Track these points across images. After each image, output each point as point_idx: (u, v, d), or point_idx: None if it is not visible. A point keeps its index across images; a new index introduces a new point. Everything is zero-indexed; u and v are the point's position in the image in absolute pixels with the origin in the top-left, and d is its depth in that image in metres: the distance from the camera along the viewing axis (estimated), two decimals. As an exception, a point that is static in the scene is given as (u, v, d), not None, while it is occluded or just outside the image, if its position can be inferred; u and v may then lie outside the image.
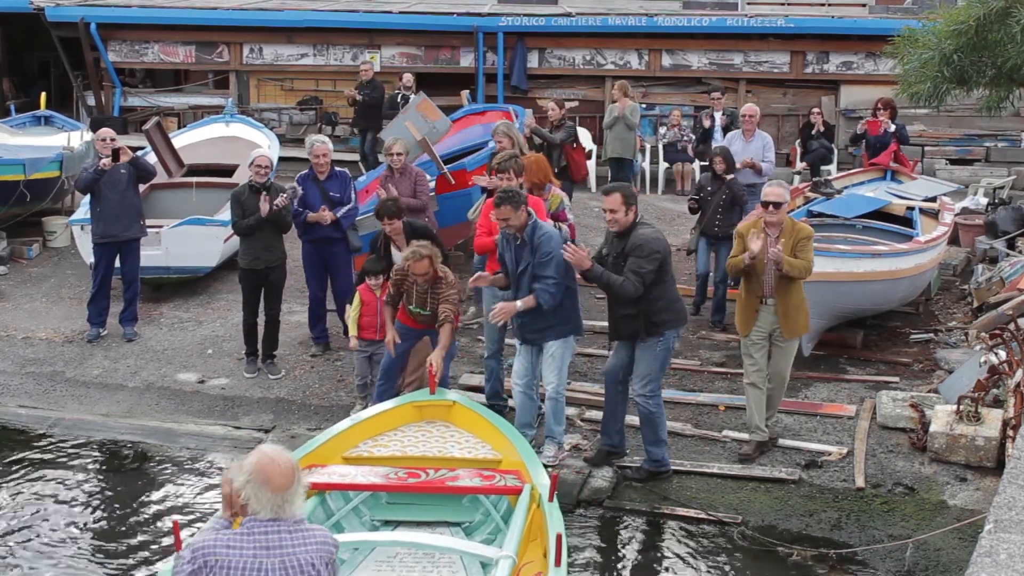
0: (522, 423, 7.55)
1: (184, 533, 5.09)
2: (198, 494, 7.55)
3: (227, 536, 3.49)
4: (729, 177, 10.15)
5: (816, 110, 15.35)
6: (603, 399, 8.21)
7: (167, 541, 6.82)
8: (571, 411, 8.13)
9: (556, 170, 11.29)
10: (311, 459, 6.38)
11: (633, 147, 13.93)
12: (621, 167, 13.74)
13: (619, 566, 6.69)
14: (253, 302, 9.28)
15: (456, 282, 7.69)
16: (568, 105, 13.77)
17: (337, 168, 9.64)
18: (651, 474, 7.38)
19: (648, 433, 7.35)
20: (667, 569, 6.70)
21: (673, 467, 7.47)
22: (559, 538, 5.22)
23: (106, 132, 10.04)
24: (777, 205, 7.28)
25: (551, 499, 5.82)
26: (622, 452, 7.58)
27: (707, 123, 14.00)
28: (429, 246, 7.44)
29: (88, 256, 10.34)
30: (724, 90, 13.58)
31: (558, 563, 5.14)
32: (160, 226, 10.91)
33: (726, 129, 13.35)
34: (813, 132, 15.06)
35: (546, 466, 7.25)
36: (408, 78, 15.07)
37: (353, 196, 9.61)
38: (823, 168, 14.70)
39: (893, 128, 12.57)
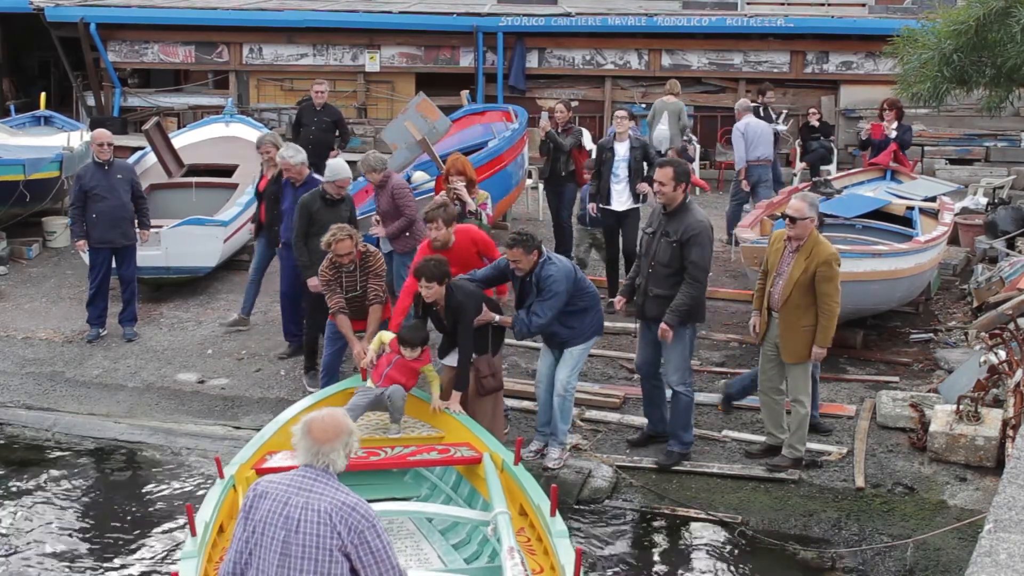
0: (542, 422, 7.65)
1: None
2: (198, 494, 7.54)
3: (278, 475, 3.90)
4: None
5: (813, 110, 15.33)
6: (605, 399, 8.58)
7: (166, 541, 6.87)
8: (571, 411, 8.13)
9: (564, 174, 11.24)
10: (265, 448, 6.54)
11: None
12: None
13: (619, 566, 6.69)
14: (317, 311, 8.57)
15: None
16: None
17: (315, 175, 9.21)
18: (682, 456, 7.58)
19: (682, 419, 7.56)
20: (666, 569, 6.71)
21: (673, 467, 7.53)
22: (554, 490, 5.59)
23: (102, 135, 9.94)
24: (793, 220, 7.10)
25: (516, 463, 6.16)
26: (664, 435, 7.74)
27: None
28: (348, 227, 7.66)
29: (88, 257, 10.32)
30: (632, 114, 11.03)
31: (553, 513, 5.51)
32: (160, 226, 10.89)
33: (633, 169, 10.29)
34: (813, 132, 15.04)
35: (550, 469, 7.32)
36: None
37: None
38: (823, 168, 14.68)
39: (894, 134, 12.50)
